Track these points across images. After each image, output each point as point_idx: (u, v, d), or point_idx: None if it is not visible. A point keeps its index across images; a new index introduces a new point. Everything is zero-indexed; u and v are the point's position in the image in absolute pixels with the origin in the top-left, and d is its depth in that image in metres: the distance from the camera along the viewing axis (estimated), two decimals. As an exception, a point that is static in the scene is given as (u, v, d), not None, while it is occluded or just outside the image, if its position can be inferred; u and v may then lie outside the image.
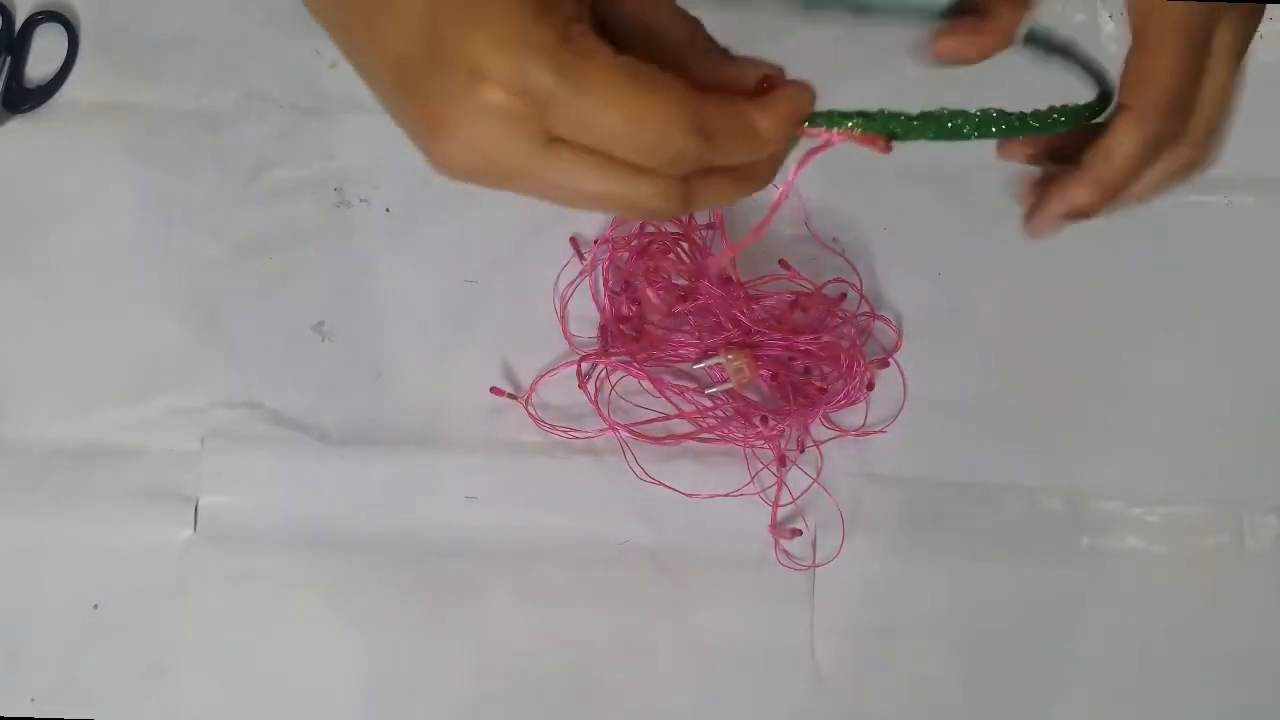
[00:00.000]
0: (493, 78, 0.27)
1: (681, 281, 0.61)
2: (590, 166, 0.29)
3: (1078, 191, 0.36)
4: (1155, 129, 0.36)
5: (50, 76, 0.62)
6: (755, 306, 0.60)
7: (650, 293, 0.59)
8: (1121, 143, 0.36)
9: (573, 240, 0.62)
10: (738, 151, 0.30)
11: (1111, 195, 0.37)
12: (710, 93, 0.29)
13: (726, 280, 0.61)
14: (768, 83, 0.31)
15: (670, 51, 0.30)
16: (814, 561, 0.60)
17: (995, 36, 0.35)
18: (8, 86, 0.62)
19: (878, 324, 0.62)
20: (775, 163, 0.32)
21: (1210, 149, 0.38)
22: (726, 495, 0.60)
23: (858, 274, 0.62)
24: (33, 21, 0.62)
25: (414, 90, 0.29)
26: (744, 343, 0.60)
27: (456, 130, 0.29)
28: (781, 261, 0.61)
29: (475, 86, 0.27)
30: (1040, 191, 0.38)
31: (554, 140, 0.28)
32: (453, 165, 0.30)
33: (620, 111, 0.28)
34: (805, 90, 0.32)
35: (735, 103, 0.30)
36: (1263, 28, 0.65)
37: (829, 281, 0.62)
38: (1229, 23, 0.37)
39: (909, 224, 0.63)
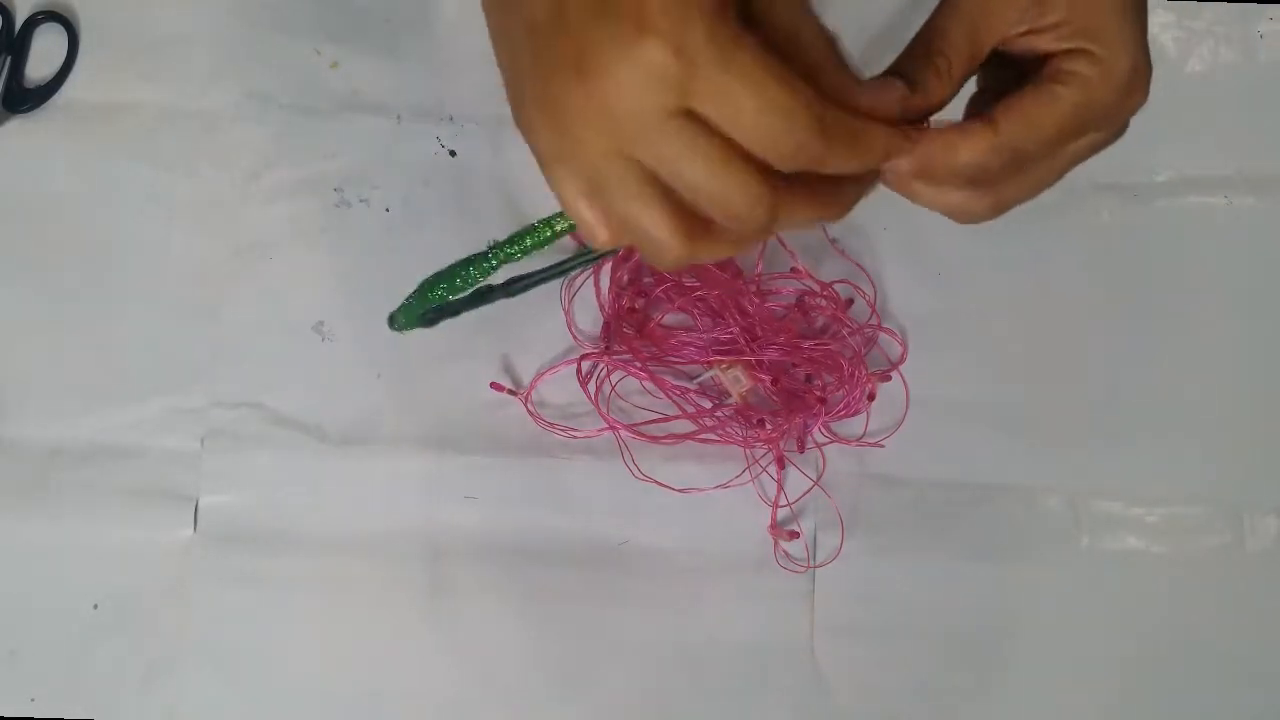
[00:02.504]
0: (657, 33, 0.29)
1: (693, 282, 0.61)
2: (703, 151, 0.31)
3: (902, 160, 0.37)
4: (996, 158, 0.37)
5: (50, 76, 0.62)
6: (762, 303, 0.60)
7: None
8: (967, 145, 0.37)
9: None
10: (849, 158, 0.33)
11: (924, 175, 0.37)
12: (834, 103, 0.32)
13: (736, 273, 0.61)
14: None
15: (805, 60, 0.33)
16: (814, 562, 0.60)
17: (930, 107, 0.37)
18: (8, 86, 0.62)
19: (883, 331, 0.62)
20: (856, 195, 0.36)
21: (993, 213, 0.40)
22: (719, 487, 0.59)
23: (872, 282, 0.62)
24: (33, 21, 0.62)
25: (571, 30, 0.31)
26: (736, 351, 0.60)
27: (603, 74, 0.30)
28: (794, 269, 0.61)
29: (639, 38, 0.29)
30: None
31: (686, 111, 0.30)
32: (574, 110, 0.31)
33: (757, 94, 0.30)
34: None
35: (856, 116, 0.33)
36: (1263, 28, 0.66)
37: (838, 282, 0.62)
38: (1090, 139, 0.38)
39: (909, 224, 0.63)
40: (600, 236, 0.34)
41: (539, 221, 0.39)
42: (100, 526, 0.58)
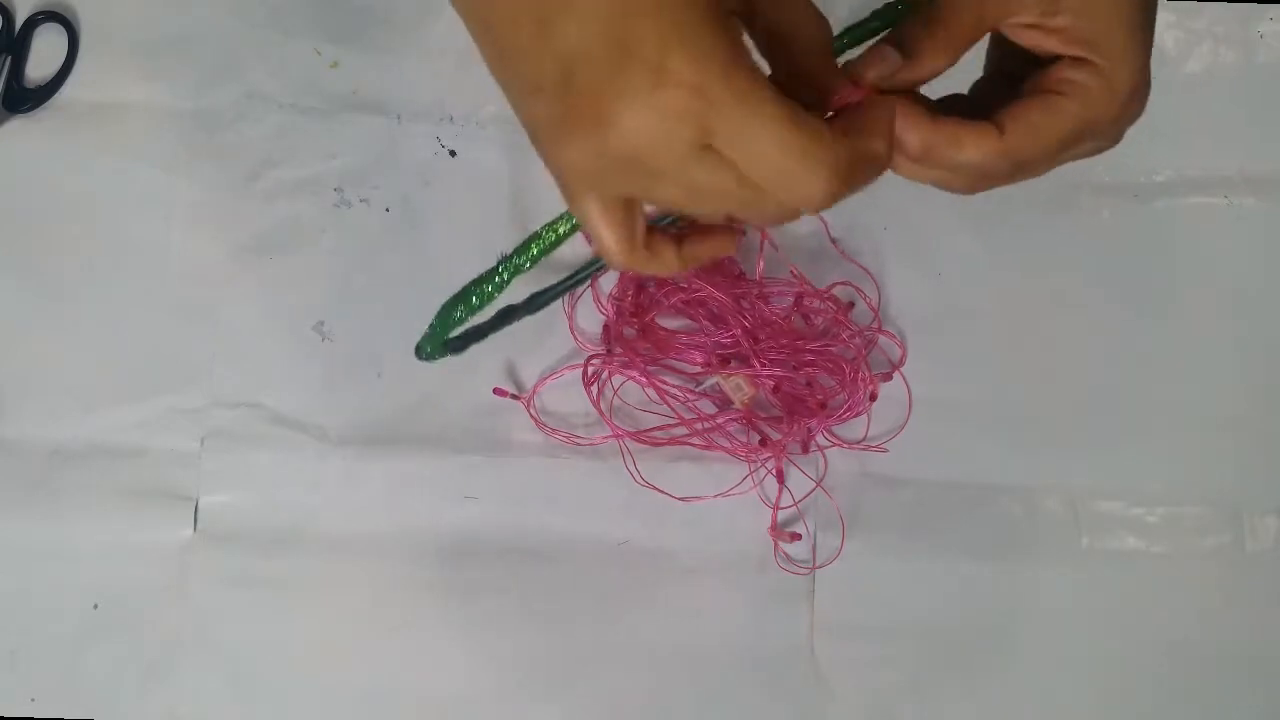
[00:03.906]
0: (676, 80, 0.30)
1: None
2: (726, 181, 0.32)
3: (911, 137, 0.37)
4: (999, 164, 0.38)
5: (50, 76, 0.62)
6: (764, 306, 0.60)
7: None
8: (973, 145, 0.37)
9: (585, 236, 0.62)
10: (868, 181, 0.34)
11: (925, 161, 0.38)
12: (841, 132, 0.32)
13: (738, 277, 0.61)
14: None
15: (800, 49, 0.34)
16: (814, 562, 0.60)
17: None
18: (8, 86, 0.62)
19: (883, 334, 0.62)
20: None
21: (970, 192, 0.40)
22: (719, 495, 0.60)
23: (875, 283, 0.62)
24: (33, 21, 0.62)
25: (583, 91, 0.31)
26: (739, 353, 0.59)
27: (619, 124, 0.30)
28: (793, 270, 0.61)
29: (658, 87, 0.30)
30: (935, 128, 0.38)
31: (707, 147, 0.31)
32: (596, 156, 0.31)
33: (776, 140, 0.31)
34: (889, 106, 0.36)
35: (861, 138, 0.34)
36: (1263, 28, 0.66)
37: (836, 284, 0.62)
38: (1087, 146, 0.39)
39: (909, 224, 0.63)
40: (616, 255, 0.35)
41: (542, 228, 0.39)
42: (100, 526, 0.58)
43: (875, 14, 0.39)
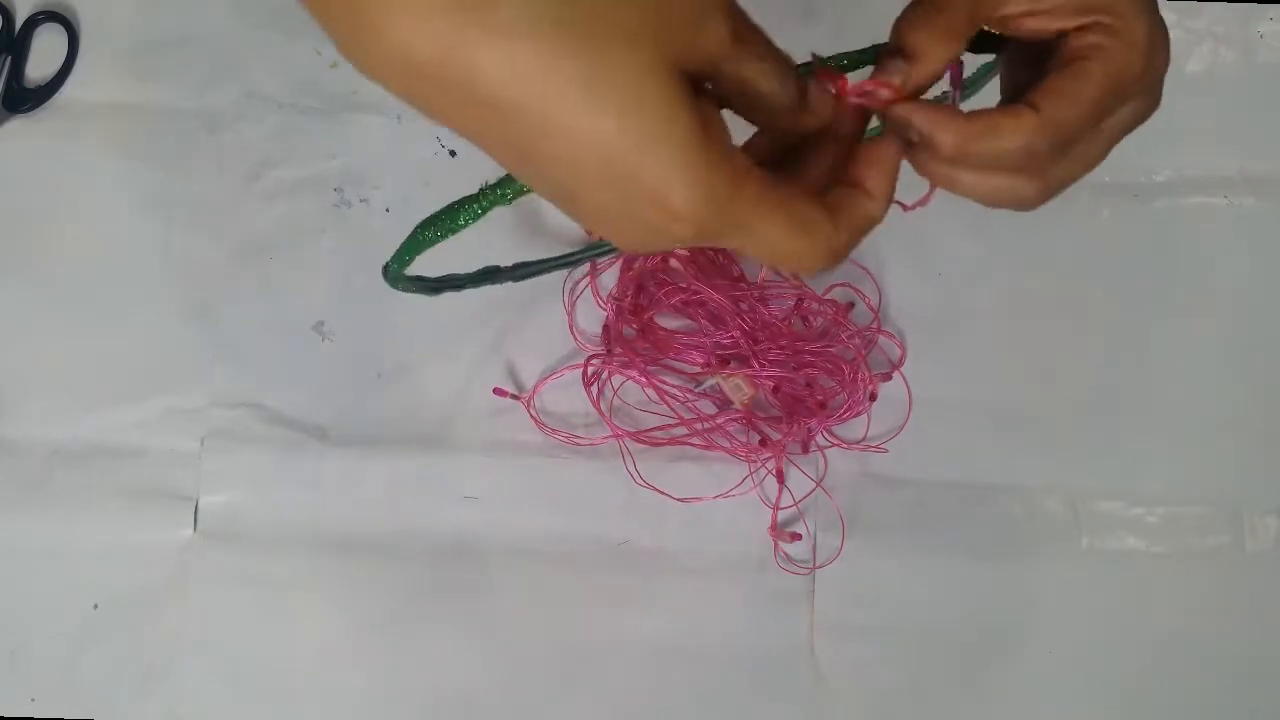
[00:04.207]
0: (682, 215, 0.31)
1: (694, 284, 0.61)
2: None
3: (945, 136, 0.37)
4: (1043, 138, 0.37)
5: (50, 76, 0.62)
6: (764, 309, 0.60)
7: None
8: (1011, 126, 0.37)
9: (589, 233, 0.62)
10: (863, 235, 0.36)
11: (965, 158, 0.38)
12: (837, 207, 0.34)
13: (738, 279, 0.61)
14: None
15: (775, 114, 0.34)
16: (814, 562, 0.60)
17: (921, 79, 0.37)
18: (8, 86, 0.62)
19: (883, 334, 0.62)
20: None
21: (1043, 197, 0.40)
22: (718, 496, 0.60)
23: (875, 283, 0.62)
24: (33, 21, 0.62)
25: (588, 213, 0.33)
26: (738, 354, 0.59)
27: (634, 243, 0.33)
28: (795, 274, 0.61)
29: (671, 221, 0.31)
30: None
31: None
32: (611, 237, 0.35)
33: (773, 239, 0.33)
34: (894, 149, 0.37)
35: (856, 206, 0.35)
36: (1263, 28, 0.66)
37: (836, 285, 0.62)
38: (1129, 110, 0.39)
39: (909, 224, 0.63)
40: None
41: None
42: (100, 526, 0.58)
43: (874, 47, 0.39)
